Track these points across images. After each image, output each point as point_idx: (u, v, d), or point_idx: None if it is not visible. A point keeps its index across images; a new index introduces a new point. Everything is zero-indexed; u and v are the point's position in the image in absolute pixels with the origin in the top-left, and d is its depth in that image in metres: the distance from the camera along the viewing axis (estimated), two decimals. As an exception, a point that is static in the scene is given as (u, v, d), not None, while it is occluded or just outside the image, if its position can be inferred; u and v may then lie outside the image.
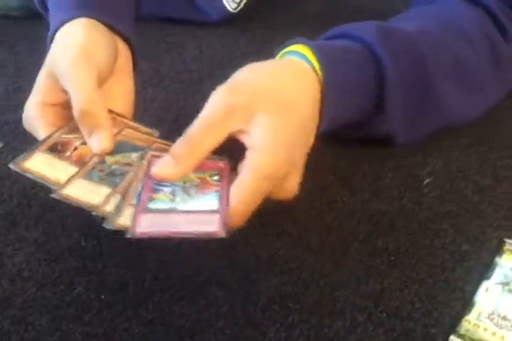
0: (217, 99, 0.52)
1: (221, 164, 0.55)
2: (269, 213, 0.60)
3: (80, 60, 0.56)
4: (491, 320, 0.52)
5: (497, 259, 0.56)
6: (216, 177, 0.53)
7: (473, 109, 0.67)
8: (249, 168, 0.51)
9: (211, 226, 0.49)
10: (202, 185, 0.52)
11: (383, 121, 0.62)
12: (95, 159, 0.54)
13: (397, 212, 0.61)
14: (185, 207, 0.50)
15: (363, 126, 0.63)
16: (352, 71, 0.59)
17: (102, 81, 0.58)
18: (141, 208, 0.50)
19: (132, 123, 0.60)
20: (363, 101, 0.60)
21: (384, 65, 0.59)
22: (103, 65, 0.58)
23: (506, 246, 0.57)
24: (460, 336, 0.51)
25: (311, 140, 0.56)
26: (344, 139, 0.65)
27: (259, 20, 0.91)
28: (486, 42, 0.66)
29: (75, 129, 0.56)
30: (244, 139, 0.52)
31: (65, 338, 0.50)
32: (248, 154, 0.51)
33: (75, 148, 0.55)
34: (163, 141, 0.58)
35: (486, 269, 0.56)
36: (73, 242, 0.57)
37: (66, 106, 0.57)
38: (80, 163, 0.54)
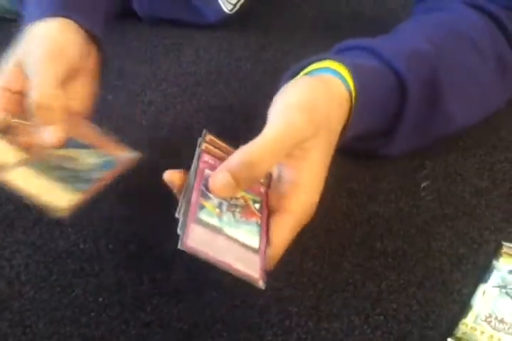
0: (285, 120, 0.50)
1: (262, 189, 0.53)
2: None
3: (52, 55, 0.57)
4: (488, 323, 0.52)
5: (494, 262, 0.56)
6: (257, 205, 0.51)
7: (478, 115, 0.67)
8: (294, 209, 0.50)
9: (253, 270, 0.47)
10: (245, 211, 0.50)
11: (387, 142, 0.62)
12: (43, 150, 0.55)
13: (394, 215, 0.61)
14: (230, 230, 0.48)
15: (365, 141, 0.63)
16: (380, 96, 0.59)
17: (67, 79, 0.59)
18: (193, 216, 0.47)
19: (85, 123, 0.60)
20: (378, 125, 0.61)
21: (409, 95, 0.59)
22: (72, 63, 0.59)
23: (504, 250, 0.58)
24: (457, 339, 0.51)
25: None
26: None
27: (257, 23, 0.91)
28: (494, 52, 0.66)
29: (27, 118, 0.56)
30: (285, 161, 0.51)
31: (62, 341, 0.50)
32: (292, 191, 0.50)
33: (26, 136, 0.56)
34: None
35: (483, 272, 0.56)
36: (71, 245, 0.57)
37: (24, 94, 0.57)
38: (29, 150, 0.54)
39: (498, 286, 0.55)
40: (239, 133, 0.64)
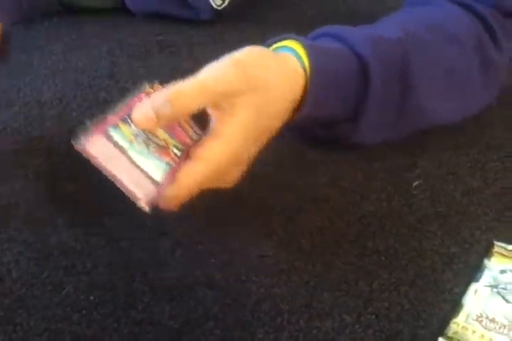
0: (219, 69, 0.52)
1: (189, 141, 0.54)
2: (259, 214, 0.60)
3: None
4: (480, 322, 0.52)
5: (486, 262, 0.57)
6: (177, 152, 0.53)
7: (458, 111, 0.67)
8: (205, 157, 0.51)
9: (143, 194, 0.49)
10: (161, 150, 0.52)
11: (354, 129, 0.62)
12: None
13: (386, 213, 0.61)
14: (137, 157, 0.50)
15: (332, 128, 0.63)
16: (341, 79, 0.59)
17: None
18: (104, 127, 0.49)
19: None
20: (341, 105, 0.60)
21: (371, 80, 0.59)
22: None
23: (495, 249, 0.58)
24: (448, 338, 0.51)
25: (275, 124, 0.56)
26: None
27: (254, 20, 0.91)
28: (476, 48, 0.66)
29: None
30: (215, 114, 0.53)
31: (53, 338, 0.50)
32: (209, 140, 0.52)
33: None
34: None
35: (474, 271, 0.56)
36: (62, 242, 0.57)
37: None
38: None
39: (490, 286, 0.55)
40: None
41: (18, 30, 0.86)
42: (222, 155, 0.52)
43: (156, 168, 0.51)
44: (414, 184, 0.64)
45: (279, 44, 0.60)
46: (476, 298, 0.54)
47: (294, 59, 0.57)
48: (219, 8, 0.88)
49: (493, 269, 0.56)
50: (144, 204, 0.50)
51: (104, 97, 0.73)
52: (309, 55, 0.57)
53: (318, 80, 0.57)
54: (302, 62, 0.57)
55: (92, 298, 0.53)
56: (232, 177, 0.54)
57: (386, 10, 0.76)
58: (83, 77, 0.75)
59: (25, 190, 0.61)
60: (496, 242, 0.58)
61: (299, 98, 0.57)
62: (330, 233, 0.59)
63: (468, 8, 0.68)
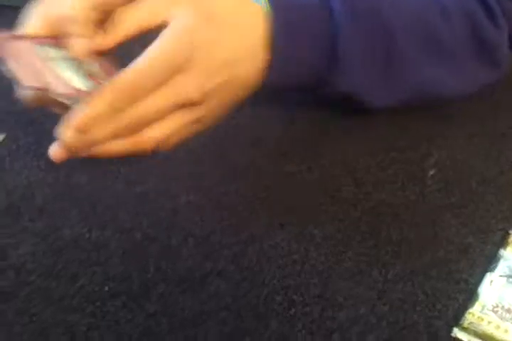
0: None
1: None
2: (272, 204, 0.60)
3: None
4: (495, 312, 0.52)
5: (501, 251, 0.56)
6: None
7: (455, 80, 0.65)
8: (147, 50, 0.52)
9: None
10: (91, 75, 0.53)
11: (339, 75, 0.60)
12: None
13: (400, 203, 0.61)
14: (61, 69, 0.52)
15: (321, 82, 0.61)
16: (305, 15, 0.58)
17: None
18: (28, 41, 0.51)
19: None
20: (315, 47, 0.59)
21: (337, 17, 0.58)
22: None
23: (511, 238, 0.57)
24: (463, 329, 0.51)
25: (251, 64, 0.56)
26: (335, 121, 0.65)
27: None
28: (465, 17, 0.63)
29: None
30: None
31: (68, 330, 0.50)
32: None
33: None
34: None
35: (490, 261, 0.56)
36: (77, 234, 0.57)
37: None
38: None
39: (506, 276, 0.54)
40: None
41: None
42: (170, 45, 0.52)
43: (80, 81, 0.52)
44: (429, 173, 0.64)
45: None
46: (492, 288, 0.53)
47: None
48: None
49: (508, 259, 0.56)
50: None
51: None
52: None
53: (284, 21, 0.56)
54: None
55: (106, 289, 0.53)
56: (184, 82, 0.53)
57: None
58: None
59: (39, 181, 0.62)
60: (511, 232, 0.58)
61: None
62: (343, 223, 0.59)
63: None
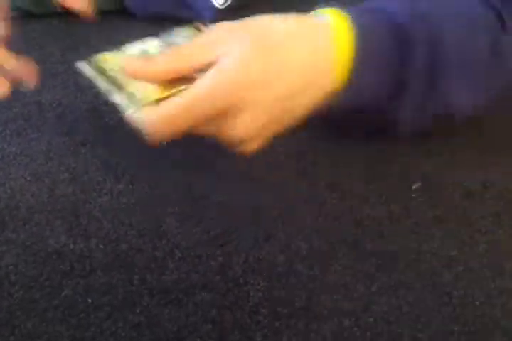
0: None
1: None
2: (258, 217, 0.60)
3: None
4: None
5: None
6: None
7: (472, 97, 0.66)
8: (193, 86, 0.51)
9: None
10: None
11: (400, 105, 0.60)
12: None
13: (385, 216, 0.61)
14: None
15: (379, 110, 0.60)
16: (383, 43, 0.57)
17: None
18: None
19: None
20: (387, 77, 0.58)
21: (416, 50, 0.57)
22: None
23: None
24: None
25: (311, 96, 0.54)
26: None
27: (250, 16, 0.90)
28: (488, 33, 0.64)
29: None
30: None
31: (51, 341, 0.50)
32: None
33: None
34: None
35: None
36: (61, 245, 0.57)
37: None
38: None
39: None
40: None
41: (17, 31, 0.86)
42: (219, 81, 0.50)
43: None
44: (414, 187, 0.64)
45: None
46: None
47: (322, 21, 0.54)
48: (222, 7, 0.87)
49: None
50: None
51: (104, 99, 0.73)
52: (353, 20, 0.54)
53: (365, 51, 0.54)
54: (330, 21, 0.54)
55: (90, 300, 0.53)
56: (234, 125, 0.52)
57: None
58: (83, 79, 0.74)
59: (23, 192, 0.61)
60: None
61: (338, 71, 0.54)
62: (328, 236, 0.59)
63: None
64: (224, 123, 0.52)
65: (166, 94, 0.52)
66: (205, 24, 0.58)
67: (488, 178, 0.66)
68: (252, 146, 0.54)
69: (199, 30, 0.58)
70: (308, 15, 0.57)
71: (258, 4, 0.89)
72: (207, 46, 0.52)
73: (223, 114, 0.51)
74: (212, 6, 0.87)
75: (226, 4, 0.87)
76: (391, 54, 0.57)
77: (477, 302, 0.54)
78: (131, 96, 0.53)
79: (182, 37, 0.58)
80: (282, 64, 0.52)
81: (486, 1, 0.66)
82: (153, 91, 0.53)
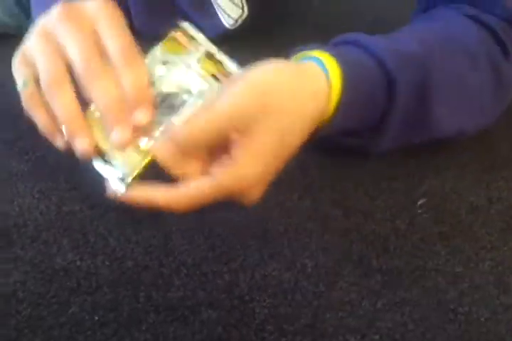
0: (235, 96, 0.52)
1: None
2: (264, 233, 0.60)
3: None
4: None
5: None
6: None
7: (470, 125, 0.67)
8: (217, 176, 0.52)
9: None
10: None
11: (377, 140, 0.63)
12: None
13: (390, 232, 0.61)
14: None
15: (355, 140, 0.63)
16: (369, 91, 0.60)
17: None
18: None
19: None
20: (369, 120, 0.61)
21: (397, 90, 0.60)
22: None
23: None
24: None
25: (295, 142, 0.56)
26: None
27: (258, 37, 0.91)
28: (489, 62, 0.66)
29: None
30: (233, 136, 0.52)
31: (58, 359, 0.50)
32: (226, 163, 0.53)
33: None
34: None
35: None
36: (68, 262, 0.57)
37: None
38: None
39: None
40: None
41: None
42: (239, 177, 0.52)
43: None
44: (419, 203, 0.64)
45: (305, 53, 0.60)
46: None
47: (318, 70, 0.57)
48: (232, 27, 0.88)
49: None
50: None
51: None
52: (341, 67, 0.57)
53: (352, 96, 0.57)
54: (327, 73, 0.57)
55: (96, 318, 0.53)
56: (253, 195, 0.55)
57: (392, 26, 0.77)
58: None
59: (31, 209, 0.62)
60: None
61: (326, 110, 0.57)
62: (333, 253, 0.59)
63: (479, 21, 0.68)
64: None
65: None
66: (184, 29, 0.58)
67: (493, 194, 0.66)
68: (256, 193, 0.55)
69: (179, 42, 0.59)
70: (302, 59, 0.59)
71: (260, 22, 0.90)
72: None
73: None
74: (222, 26, 0.88)
75: (237, 25, 0.88)
76: (376, 97, 0.60)
77: (482, 319, 0.54)
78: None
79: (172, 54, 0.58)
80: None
81: (492, 34, 0.67)
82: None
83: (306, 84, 0.56)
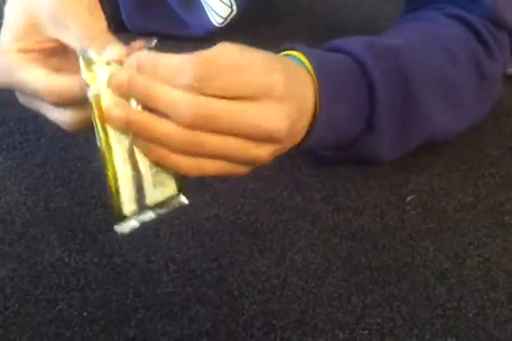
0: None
1: None
2: (252, 230, 0.60)
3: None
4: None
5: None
6: None
7: (457, 124, 0.67)
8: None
9: None
10: None
11: (373, 141, 0.62)
12: None
13: (379, 229, 0.61)
14: None
15: (354, 146, 0.62)
16: (345, 87, 0.59)
17: None
18: None
19: None
20: (355, 117, 0.60)
21: (376, 88, 0.59)
22: None
23: None
24: None
25: (302, 103, 0.54)
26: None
27: (245, 36, 0.91)
28: (470, 59, 0.67)
29: None
30: None
31: (46, 355, 0.50)
32: None
33: None
34: None
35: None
36: (56, 258, 0.57)
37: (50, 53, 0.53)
38: None
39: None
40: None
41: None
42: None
43: None
44: (407, 199, 0.65)
45: (287, 52, 0.59)
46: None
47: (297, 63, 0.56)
48: (220, 26, 0.88)
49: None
50: None
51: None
52: (311, 62, 0.56)
53: (328, 89, 0.56)
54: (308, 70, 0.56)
55: (85, 314, 0.53)
56: (263, 115, 0.49)
57: (377, 28, 0.78)
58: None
59: (19, 206, 0.62)
60: None
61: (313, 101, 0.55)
62: (323, 249, 0.59)
63: (461, 20, 0.68)
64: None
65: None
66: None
67: (481, 191, 0.66)
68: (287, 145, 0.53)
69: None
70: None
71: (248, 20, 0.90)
72: None
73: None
74: (211, 25, 0.88)
75: (225, 23, 0.88)
76: (354, 85, 0.59)
77: (470, 314, 0.55)
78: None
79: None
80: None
81: (475, 32, 0.68)
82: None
83: (300, 71, 0.55)
